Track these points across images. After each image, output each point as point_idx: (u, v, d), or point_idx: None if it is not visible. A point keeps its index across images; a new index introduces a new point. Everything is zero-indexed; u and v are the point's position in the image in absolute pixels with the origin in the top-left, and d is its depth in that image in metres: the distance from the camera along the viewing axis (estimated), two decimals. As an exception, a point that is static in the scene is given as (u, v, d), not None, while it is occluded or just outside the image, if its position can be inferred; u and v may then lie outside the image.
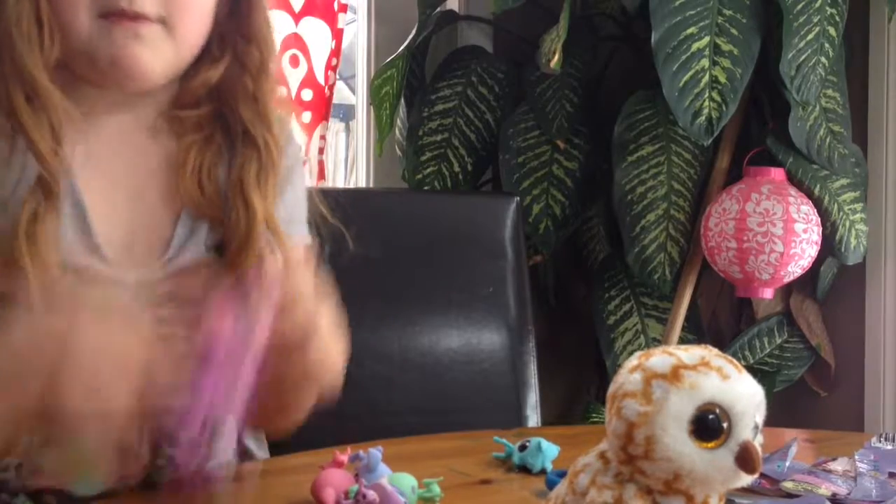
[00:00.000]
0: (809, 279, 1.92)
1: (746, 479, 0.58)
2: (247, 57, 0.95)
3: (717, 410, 0.57)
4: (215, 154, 0.95)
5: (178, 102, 0.96)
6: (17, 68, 0.86)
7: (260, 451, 1.11)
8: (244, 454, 1.06)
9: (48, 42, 0.86)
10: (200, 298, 0.80)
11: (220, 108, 0.95)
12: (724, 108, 1.71)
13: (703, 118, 1.70)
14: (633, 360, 0.60)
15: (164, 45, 0.88)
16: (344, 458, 0.86)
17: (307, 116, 1.98)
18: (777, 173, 1.81)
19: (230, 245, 0.92)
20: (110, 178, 0.93)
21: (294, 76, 1.95)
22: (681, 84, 1.70)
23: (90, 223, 0.89)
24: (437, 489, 0.84)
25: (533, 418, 1.51)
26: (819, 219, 1.80)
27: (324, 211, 1.02)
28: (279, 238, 0.94)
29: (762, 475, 0.91)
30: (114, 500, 0.92)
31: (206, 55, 0.95)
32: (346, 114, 2.80)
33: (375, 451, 0.86)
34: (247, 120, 0.95)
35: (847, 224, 1.84)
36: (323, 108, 2.01)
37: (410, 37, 2.03)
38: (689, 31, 1.71)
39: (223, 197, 0.93)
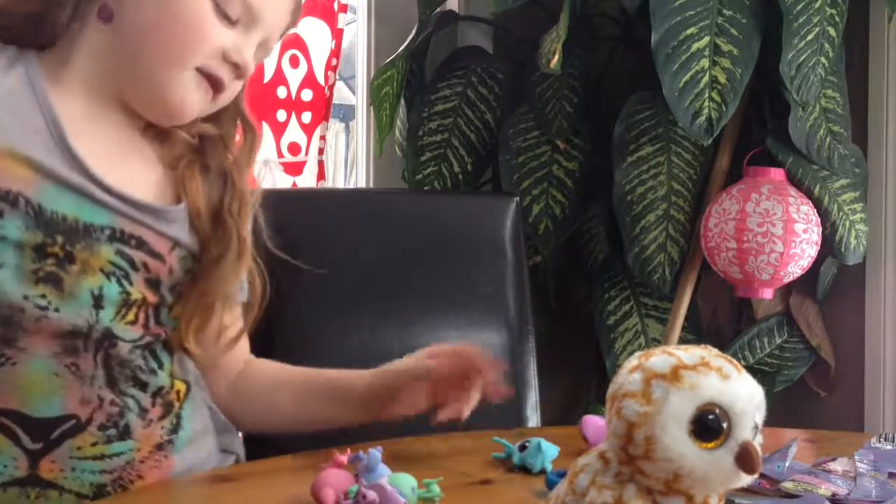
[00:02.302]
0: (809, 279, 1.92)
1: (746, 479, 0.58)
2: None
3: (717, 410, 0.57)
4: (200, 172, 1.04)
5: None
6: None
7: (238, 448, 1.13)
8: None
9: None
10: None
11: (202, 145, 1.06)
12: (724, 108, 1.71)
13: (703, 118, 1.70)
14: (633, 361, 0.60)
15: (213, 104, 1.02)
16: (344, 458, 0.86)
17: (307, 116, 1.98)
18: (777, 173, 1.81)
19: (208, 250, 1.02)
20: (110, 144, 1.00)
21: (294, 76, 1.95)
22: (681, 84, 1.70)
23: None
24: (436, 489, 0.84)
25: (533, 418, 1.51)
26: (819, 219, 1.80)
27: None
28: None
29: (762, 475, 0.91)
30: (117, 497, 0.92)
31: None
32: (346, 114, 2.80)
33: (375, 451, 0.86)
34: (225, 165, 1.06)
35: (847, 224, 1.84)
36: (323, 108, 2.01)
37: (410, 37, 2.03)
38: (689, 31, 1.71)
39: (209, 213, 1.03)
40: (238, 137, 1.09)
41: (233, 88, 1.02)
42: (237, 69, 1.00)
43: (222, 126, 1.08)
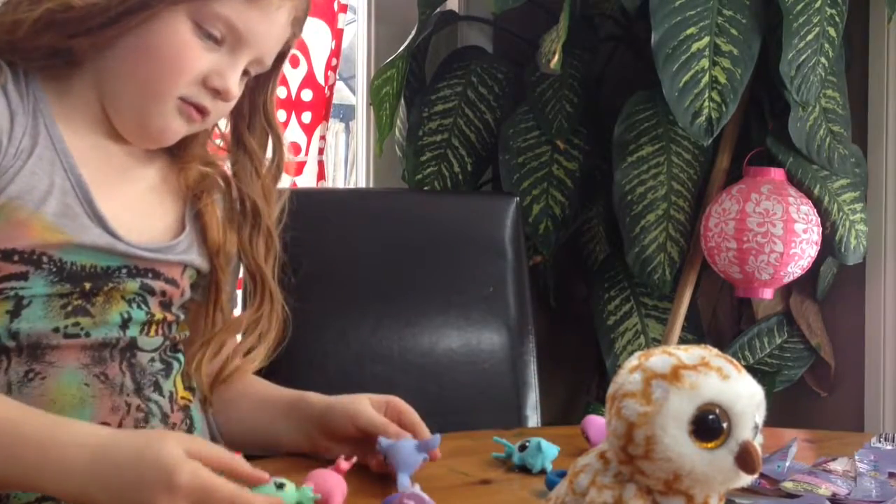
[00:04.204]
0: (809, 279, 1.92)
1: (746, 479, 0.58)
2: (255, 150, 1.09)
3: (717, 410, 0.57)
4: (219, 205, 1.07)
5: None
6: None
7: None
8: None
9: None
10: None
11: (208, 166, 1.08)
12: (723, 108, 1.71)
13: (703, 118, 1.70)
14: (633, 360, 0.60)
15: (201, 125, 1.01)
16: (346, 465, 0.85)
17: (307, 116, 1.98)
18: (777, 173, 1.81)
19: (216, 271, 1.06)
20: (115, 177, 1.00)
21: (294, 76, 1.95)
22: (681, 84, 1.70)
23: (97, 205, 0.95)
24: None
25: (533, 418, 1.51)
26: (819, 219, 1.80)
27: None
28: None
29: (762, 475, 0.91)
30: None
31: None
32: (346, 114, 2.80)
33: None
34: (254, 198, 1.07)
35: (847, 224, 1.84)
36: (323, 108, 2.01)
37: (410, 37, 2.03)
38: (689, 31, 1.71)
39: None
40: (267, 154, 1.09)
41: (219, 110, 1.01)
42: (218, 94, 0.98)
43: (255, 136, 1.08)
